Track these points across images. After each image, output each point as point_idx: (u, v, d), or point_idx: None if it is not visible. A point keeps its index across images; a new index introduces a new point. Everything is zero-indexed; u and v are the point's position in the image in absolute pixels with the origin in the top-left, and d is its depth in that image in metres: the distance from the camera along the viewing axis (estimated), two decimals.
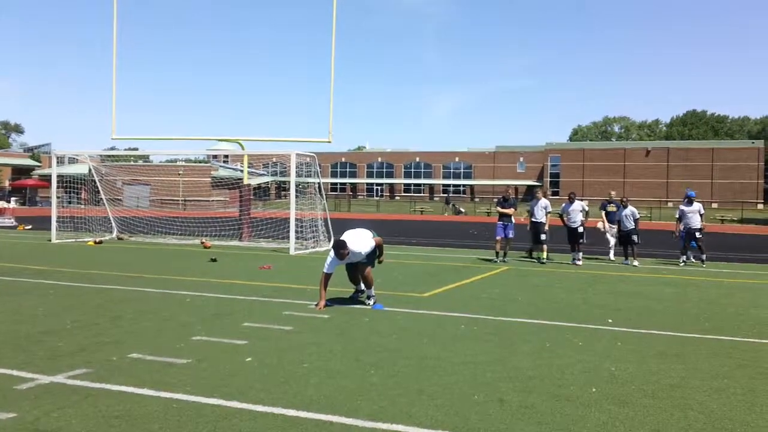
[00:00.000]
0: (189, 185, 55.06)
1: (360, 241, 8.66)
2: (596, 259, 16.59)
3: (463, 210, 57.51)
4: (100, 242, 19.34)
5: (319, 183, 19.56)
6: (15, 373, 5.30)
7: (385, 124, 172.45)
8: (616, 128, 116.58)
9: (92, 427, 4.14)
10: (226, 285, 10.66)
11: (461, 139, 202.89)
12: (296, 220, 17.66)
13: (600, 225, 16.82)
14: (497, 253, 15.44)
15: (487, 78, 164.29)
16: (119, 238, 20.91)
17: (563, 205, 15.86)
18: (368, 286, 8.88)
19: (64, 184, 24.01)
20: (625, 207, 16.00)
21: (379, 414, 4.43)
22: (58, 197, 21.32)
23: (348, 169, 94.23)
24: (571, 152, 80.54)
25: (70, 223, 21.49)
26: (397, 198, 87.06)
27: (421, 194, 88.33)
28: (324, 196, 20.06)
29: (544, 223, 15.45)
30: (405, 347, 6.42)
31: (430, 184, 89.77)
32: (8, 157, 75.01)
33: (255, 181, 26.36)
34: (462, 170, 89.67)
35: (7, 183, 66.46)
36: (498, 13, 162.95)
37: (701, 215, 15.86)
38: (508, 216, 15.44)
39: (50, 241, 19.47)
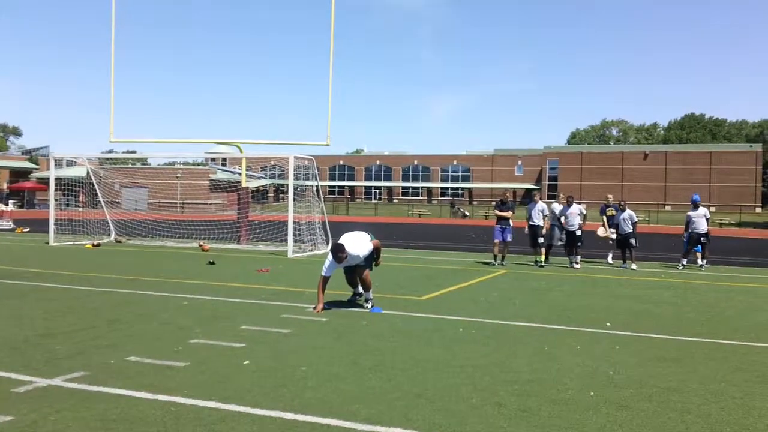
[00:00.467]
0: (187, 188, 54.98)
1: (358, 244, 8.65)
2: (594, 262, 16.61)
3: (468, 213, 57.49)
4: (98, 245, 19.31)
5: (317, 186, 19.57)
6: (13, 375, 5.29)
7: (384, 127, 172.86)
8: (614, 131, 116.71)
9: (90, 430, 4.13)
10: (224, 288, 10.64)
11: (459, 142, 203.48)
12: (294, 223, 17.66)
13: (600, 231, 16.85)
14: (495, 256, 15.45)
15: (485, 81, 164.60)
16: (117, 241, 20.89)
17: (561, 208, 15.88)
18: (366, 289, 8.88)
19: (62, 187, 24.02)
20: (623, 210, 16.02)
21: (377, 417, 4.43)
22: (56, 200, 21.31)
23: (346, 172, 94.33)
24: (569, 155, 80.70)
25: (68, 226, 21.49)
26: (395, 201, 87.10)
27: (419, 197, 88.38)
28: (322, 199, 20.07)
29: (542, 227, 15.45)
30: (403, 350, 6.42)
31: (428, 187, 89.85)
32: (6, 160, 74.84)
33: (253, 184, 26.38)
34: (460, 173, 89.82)
35: (5, 185, 66.29)
36: (497, 15, 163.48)
37: (707, 220, 15.87)
38: (507, 219, 15.45)
39: (48, 243, 19.43)
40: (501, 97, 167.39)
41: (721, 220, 49.82)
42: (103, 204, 22.13)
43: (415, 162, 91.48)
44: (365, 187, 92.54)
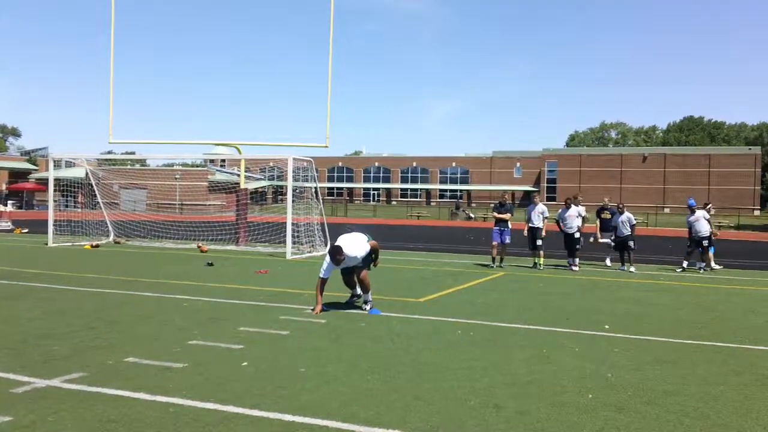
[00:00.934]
0: (186, 189, 54.96)
1: (355, 245, 8.65)
2: (592, 264, 16.62)
3: (472, 216, 57.22)
4: (97, 246, 19.31)
5: (316, 187, 19.57)
6: (11, 376, 5.29)
7: (383, 129, 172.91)
8: (613, 134, 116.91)
9: (88, 430, 4.13)
10: (222, 289, 10.64)
11: (458, 144, 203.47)
12: (293, 224, 17.66)
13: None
14: (494, 258, 15.45)
15: (484, 83, 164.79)
16: (116, 242, 20.88)
17: (559, 210, 15.88)
18: (365, 290, 8.88)
19: (61, 188, 24.00)
20: (621, 213, 16.02)
21: (375, 419, 4.43)
22: (54, 201, 21.29)
23: (345, 174, 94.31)
24: (568, 158, 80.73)
25: (66, 227, 21.47)
26: (394, 203, 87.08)
27: (418, 199, 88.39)
28: (321, 201, 20.07)
29: (542, 229, 15.46)
30: (401, 352, 6.42)
31: (427, 189, 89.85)
32: (5, 161, 74.75)
33: (252, 186, 26.37)
34: (459, 175, 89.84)
35: (3, 186, 66.25)
36: (496, 18, 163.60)
37: (707, 220, 15.83)
38: (505, 221, 15.46)
39: (47, 244, 19.42)
40: (500, 99, 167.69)
41: (719, 222, 49.79)
42: (101, 205, 22.12)
43: (414, 164, 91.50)
44: (364, 188, 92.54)
